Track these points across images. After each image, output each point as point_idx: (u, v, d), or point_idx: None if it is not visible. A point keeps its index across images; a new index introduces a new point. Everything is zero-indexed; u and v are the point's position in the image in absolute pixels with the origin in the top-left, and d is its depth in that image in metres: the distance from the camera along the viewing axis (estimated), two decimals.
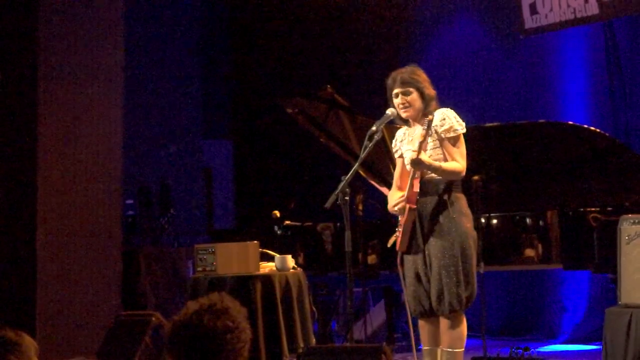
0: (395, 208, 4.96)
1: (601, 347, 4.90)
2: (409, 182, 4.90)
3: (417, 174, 4.86)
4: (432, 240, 4.88)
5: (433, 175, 4.89)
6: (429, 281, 4.91)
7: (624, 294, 4.77)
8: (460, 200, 4.94)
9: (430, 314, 4.95)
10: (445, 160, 4.88)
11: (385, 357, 4.34)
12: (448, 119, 4.89)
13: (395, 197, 5.03)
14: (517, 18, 8.29)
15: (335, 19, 9.75)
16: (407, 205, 4.88)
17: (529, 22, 8.18)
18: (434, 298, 4.87)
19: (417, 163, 4.75)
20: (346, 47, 9.71)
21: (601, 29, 7.98)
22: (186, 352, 2.54)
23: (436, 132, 4.90)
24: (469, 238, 4.90)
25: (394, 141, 5.18)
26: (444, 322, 4.91)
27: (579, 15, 7.82)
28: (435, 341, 4.99)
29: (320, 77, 9.17)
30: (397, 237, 5.04)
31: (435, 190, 4.90)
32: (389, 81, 5.02)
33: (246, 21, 10.58)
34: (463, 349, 4.94)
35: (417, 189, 4.87)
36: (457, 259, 4.83)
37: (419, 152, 4.76)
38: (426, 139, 4.81)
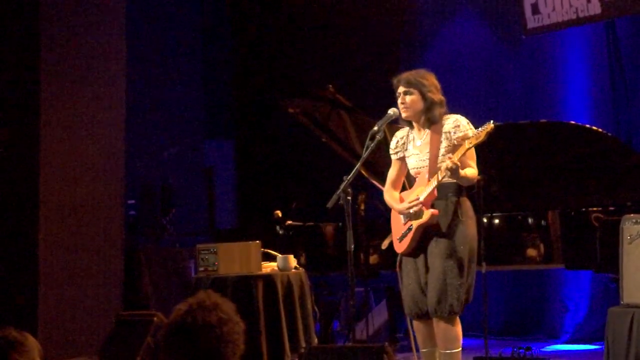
0: (411, 211, 4.94)
1: (603, 347, 4.91)
2: (428, 185, 4.87)
3: (435, 178, 4.85)
4: (440, 242, 4.87)
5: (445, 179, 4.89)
6: (426, 283, 4.91)
7: (626, 294, 4.77)
8: (467, 204, 4.96)
9: (427, 316, 4.95)
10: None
11: (387, 357, 4.35)
12: (462, 126, 4.90)
13: (394, 196, 5.03)
14: (519, 18, 8.29)
15: (337, 19, 9.75)
16: (430, 211, 4.86)
17: (531, 22, 8.18)
18: (433, 299, 4.86)
19: (454, 171, 4.72)
20: (348, 47, 9.70)
21: (603, 28, 7.98)
22: (186, 352, 2.55)
23: (447, 138, 4.91)
24: (475, 241, 4.93)
25: (393, 141, 5.16)
26: (439, 324, 4.89)
27: (581, 15, 7.82)
28: (433, 342, 4.99)
29: (322, 77, 9.16)
30: (391, 239, 5.05)
31: (445, 194, 4.91)
32: (395, 80, 5.03)
33: (248, 22, 10.58)
34: (460, 349, 4.95)
35: (436, 193, 4.87)
36: (463, 260, 4.84)
37: (457, 160, 4.73)
38: (465, 149, 4.77)
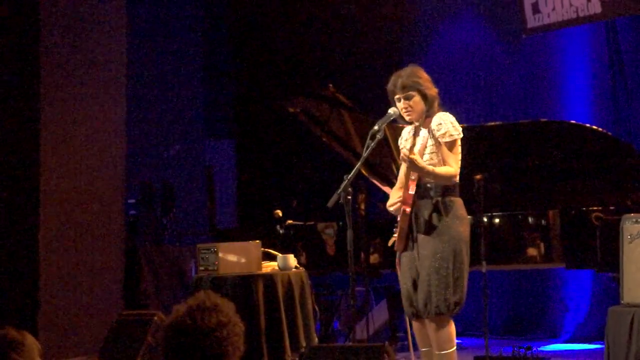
0: (392, 208, 4.99)
1: (603, 346, 4.90)
2: (405, 183, 4.92)
3: (414, 176, 4.86)
4: (425, 243, 4.87)
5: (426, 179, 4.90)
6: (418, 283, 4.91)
7: (627, 293, 4.76)
8: (456, 204, 4.92)
9: (421, 316, 4.95)
10: (441, 164, 4.89)
11: (388, 356, 4.34)
12: (444, 124, 4.89)
13: (394, 197, 5.04)
14: (519, 17, 8.29)
15: (337, 18, 9.75)
16: (402, 208, 4.89)
17: (532, 22, 8.18)
18: (421, 300, 4.87)
19: (407, 161, 4.76)
20: (348, 46, 9.71)
21: (604, 28, 7.98)
22: (186, 354, 2.54)
23: (433, 136, 4.90)
24: (462, 242, 4.88)
25: (400, 139, 5.17)
26: (430, 325, 4.90)
27: (581, 15, 7.82)
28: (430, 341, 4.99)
29: (322, 76, 9.16)
30: (395, 237, 5.06)
31: (430, 194, 4.90)
32: (390, 86, 4.99)
33: (248, 21, 10.58)
34: (454, 348, 4.93)
35: (412, 191, 4.87)
36: (448, 261, 4.82)
37: (410, 150, 4.77)
38: (426, 142, 4.83)
